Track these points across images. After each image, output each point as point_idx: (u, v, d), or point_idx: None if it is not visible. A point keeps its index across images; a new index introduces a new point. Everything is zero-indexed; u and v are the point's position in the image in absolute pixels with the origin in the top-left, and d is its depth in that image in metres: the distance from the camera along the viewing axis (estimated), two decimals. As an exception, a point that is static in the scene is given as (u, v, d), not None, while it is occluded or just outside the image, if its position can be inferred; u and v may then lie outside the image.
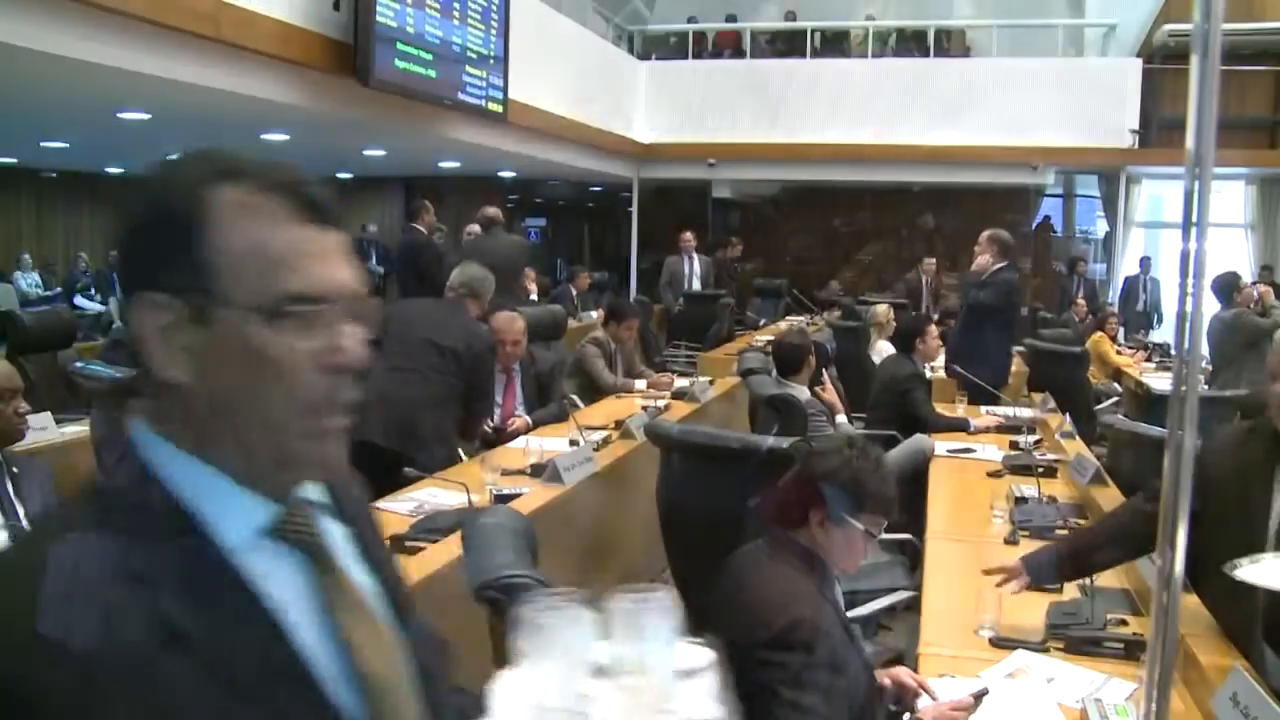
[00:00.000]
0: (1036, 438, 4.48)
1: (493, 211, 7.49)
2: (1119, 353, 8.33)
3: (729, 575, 1.98)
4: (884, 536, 2.13)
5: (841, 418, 4.73)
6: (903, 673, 2.01)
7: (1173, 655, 0.99)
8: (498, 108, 8.07)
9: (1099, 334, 8.31)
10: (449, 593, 2.09)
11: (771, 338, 6.68)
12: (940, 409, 5.10)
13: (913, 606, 2.89)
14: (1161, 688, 0.97)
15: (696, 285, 10.33)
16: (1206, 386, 6.09)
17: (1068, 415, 4.63)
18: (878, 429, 4.98)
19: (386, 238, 13.84)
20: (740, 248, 11.88)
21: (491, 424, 4.58)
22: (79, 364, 3.78)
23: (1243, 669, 1.81)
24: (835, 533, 1.91)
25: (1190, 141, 0.94)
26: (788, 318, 10.33)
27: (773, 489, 2.05)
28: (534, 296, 8.86)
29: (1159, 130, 11.37)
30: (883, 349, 6.57)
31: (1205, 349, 6.48)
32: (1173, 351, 1.06)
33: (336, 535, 0.90)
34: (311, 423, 0.81)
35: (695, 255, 10.49)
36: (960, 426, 4.80)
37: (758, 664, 1.72)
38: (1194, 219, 0.95)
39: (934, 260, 11.35)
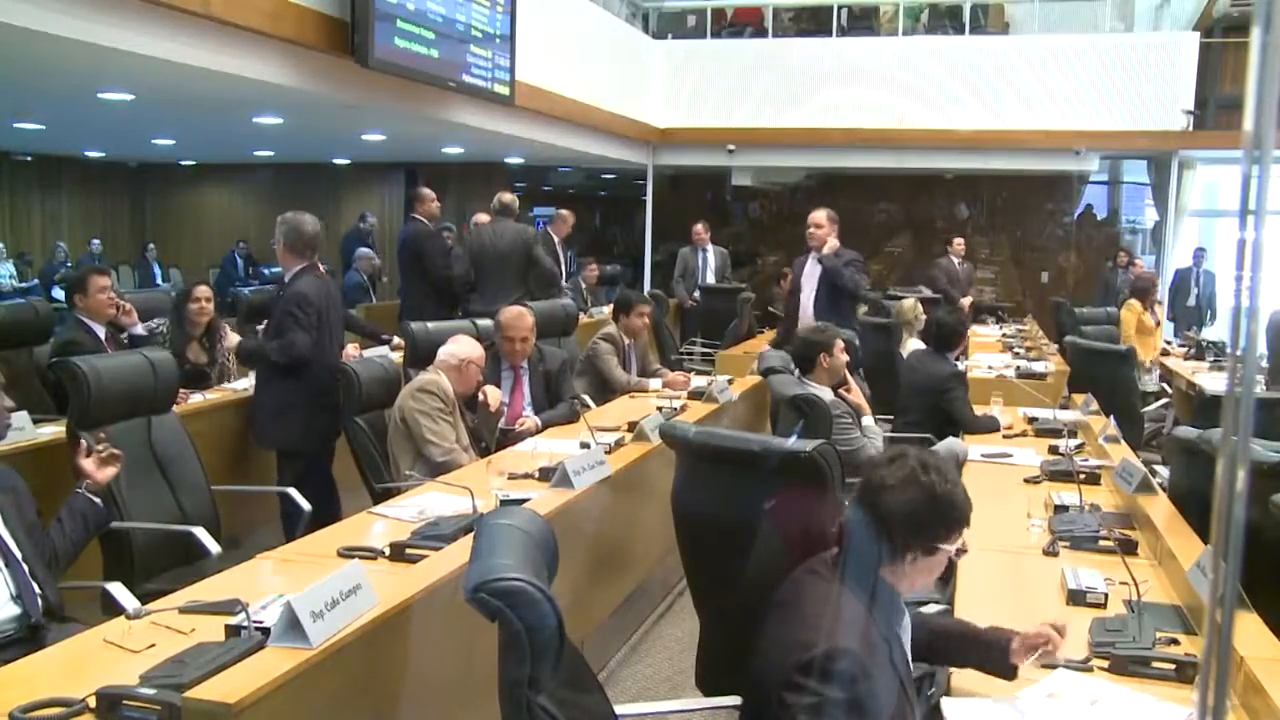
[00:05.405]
0: (1078, 442, 4.46)
1: (508, 198, 7.45)
2: (1167, 352, 8.16)
3: (788, 590, 1.99)
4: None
5: (868, 419, 4.72)
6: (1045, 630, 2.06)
7: (1226, 679, 0.98)
8: (504, 90, 8.08)
9: (1131, 300, 7.94)
10: (454, 603, 2.09)
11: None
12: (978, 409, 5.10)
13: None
14: (1216, 715, 0.96)
15: (710, 278, 10.33)
16: (1265, 388, 6.03)
17: (1112, 418, 4.60)
18: (910, 432, 4.98)
19: (387, 227, 13.87)
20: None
21: (499, 424, 4.59)
22: (57, 360, 3.81)
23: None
24: (920, 560, 1.91)
25: (1248, 121, 0.92)
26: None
27: (815, 505, 2.02)
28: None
29: (1217, 111, 11.25)
30: (913, 346, 6.54)
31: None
32: (1228, 349, 1.04)
33: None
34: None
35: (710, 247, 10.49)
36: (993, 427, 4.82)
37: (787, 685, 1.75)
38: (1251, 206, 0.94)
39: (963, 240, 11.22)
